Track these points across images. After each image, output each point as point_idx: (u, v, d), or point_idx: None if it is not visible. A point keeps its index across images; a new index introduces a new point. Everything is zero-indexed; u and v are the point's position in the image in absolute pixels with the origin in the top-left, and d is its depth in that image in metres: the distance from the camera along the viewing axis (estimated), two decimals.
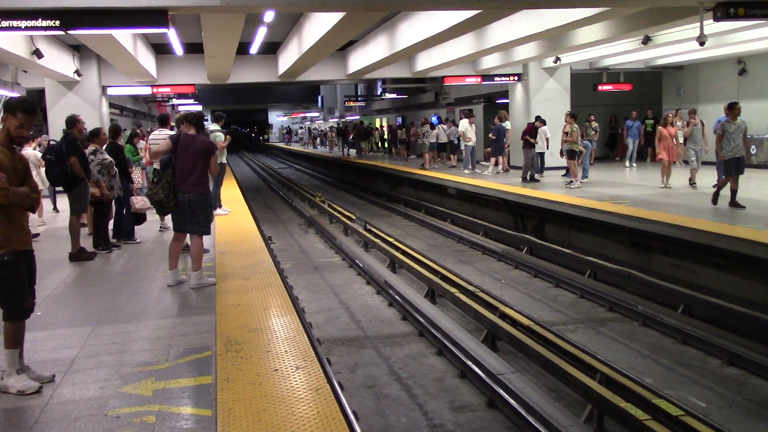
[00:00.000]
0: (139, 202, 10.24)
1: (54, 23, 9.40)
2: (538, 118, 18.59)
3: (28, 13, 9.29)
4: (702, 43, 11.08)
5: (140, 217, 10.70)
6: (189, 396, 4.58)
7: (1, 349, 4.88)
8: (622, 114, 23.39)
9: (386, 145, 37.49)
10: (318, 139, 56.45)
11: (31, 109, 4.78)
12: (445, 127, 25.37)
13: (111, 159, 9.92)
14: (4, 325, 4.79)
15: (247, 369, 4.85)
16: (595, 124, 20.92)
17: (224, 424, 3.97)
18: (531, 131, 18.02)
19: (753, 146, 18.98)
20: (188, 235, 7.78)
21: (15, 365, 4.76)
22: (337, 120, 57.10)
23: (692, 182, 15.04)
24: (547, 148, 19.27)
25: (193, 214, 7.38)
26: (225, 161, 13.62)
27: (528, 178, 17.61)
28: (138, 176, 12.19)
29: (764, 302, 8.99)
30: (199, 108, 38.85)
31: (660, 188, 14.83)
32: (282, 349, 5.27)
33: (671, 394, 6.21)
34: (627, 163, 21.13)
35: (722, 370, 7.41)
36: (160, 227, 11.44)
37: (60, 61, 18.69)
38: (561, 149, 17.39)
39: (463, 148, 21.91)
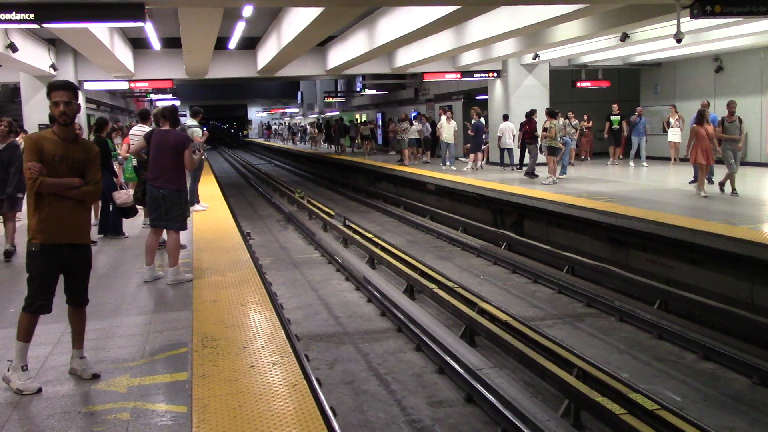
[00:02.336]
0: (122, 196, 10.11)
1: (28, 16, 9.29)
2: (533, 111, 18.52)
3: (2, 6, 9.17)
4: (679, 41, 11.15)
5: (129, 211, 10.55)
6: (164, 392, 4.54)
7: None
8: (600, 111, 23.55)
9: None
10: (298, 135, 55.68)
11: (56, 84, 4.65)
12: (418, 123, 25.37)
13: None
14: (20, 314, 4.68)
15: (223, 365, 4.82)
16: (575, 122, 20.82)
17: (200, 420, 3.94)
18: (533, 127, 18.02)
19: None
20: (165, 230, 7.72)
21: (22, 360, 4.66)
22: (316, 115, 56.86)
23: (724, 186, 13.15)
24: (514, 143, 19.90)
25: (168, 210, 7.34)
26: (203, 157, 13.52)
27: (530, 173, 17.58)
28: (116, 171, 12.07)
29: (739, 297, 9.09)
30: (177, 103, 38.58)
31: (702, 196, 12.63)
32: (259, 345, 5.24)
33: (647, 389, 6.26)
34: (631, 162, 19.86)
35: (697, 365, 7.48)
36: (144, 223, 11.33)
37: (35, 55, 18.46)
38: (539, 145, 17.46)
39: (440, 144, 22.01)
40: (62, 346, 5.49)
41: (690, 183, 14.79)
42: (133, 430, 3.98)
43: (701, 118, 12.94)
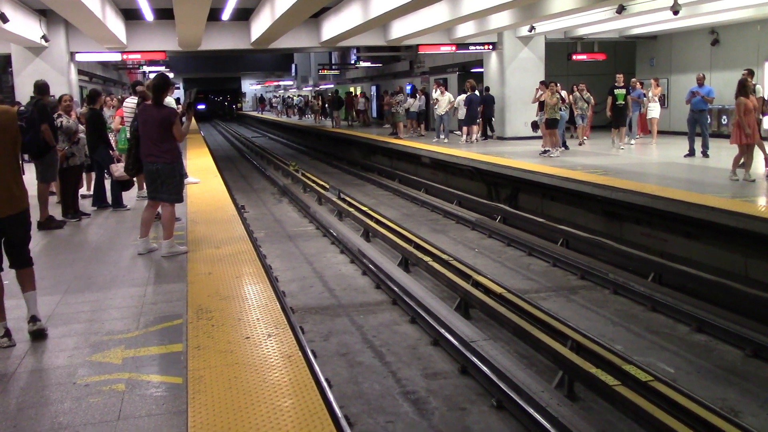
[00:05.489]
0: (119, 169, 10.06)
1: None
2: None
3: None
4: (676, 12, 11.12)
5: (126, 184, 10.49)
6: (159, 364, 4.54)
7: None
8: (596, 85, 23.43)
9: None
10: (295, 109, 52.22)
11: None
12: (418, 95, 25.24)
13: (76, 125, 9.74)
14: None
15: (218, 337, 4.81)
16: (587, 95, 18.28)
17: (195, 391, 3.94)
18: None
19: (724, 117, 19.16)
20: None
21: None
22: (311, 88, 56.36)
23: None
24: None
25: (162, 182, 7.32)
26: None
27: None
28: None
29: (732, 270, 9.12)
30: (171, 75, 38.21)
31: (736, 181, 11.10)
32: (254, 317, 5.23)
33: (640, 360, 6.30)
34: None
35: (690, 337, 7.52)
36: (138, 195, 11.29)
37: (26, 26, 18.23)
38: (537, 119, 17.29)
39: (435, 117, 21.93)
40: (57, 317, 5.49)
41: (685, 156, 14.78)
42: (128, 401, 3.99)
43: (744, 89, 10.94)
